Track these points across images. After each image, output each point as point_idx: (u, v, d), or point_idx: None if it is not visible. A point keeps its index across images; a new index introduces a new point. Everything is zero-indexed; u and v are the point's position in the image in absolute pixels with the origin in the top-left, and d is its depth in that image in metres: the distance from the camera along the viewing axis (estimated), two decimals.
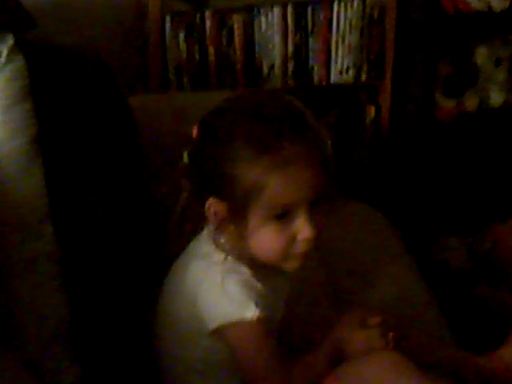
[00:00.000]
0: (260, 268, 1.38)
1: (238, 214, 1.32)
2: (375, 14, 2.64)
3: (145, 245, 1.58)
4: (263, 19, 2.56)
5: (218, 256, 1.37)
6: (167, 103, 2.16)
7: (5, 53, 1.38)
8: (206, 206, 1.35)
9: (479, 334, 2.15)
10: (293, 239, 1.33)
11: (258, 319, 1.32)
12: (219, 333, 1.35)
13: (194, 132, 1.38)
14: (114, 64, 2.33)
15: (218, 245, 1.37)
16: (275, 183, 1.28)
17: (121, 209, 1.54)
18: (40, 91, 1.48)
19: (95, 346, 1.46)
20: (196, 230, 1.43)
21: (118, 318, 1.46)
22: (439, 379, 1.46)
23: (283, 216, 1.31)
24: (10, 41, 1.39)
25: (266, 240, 1.33)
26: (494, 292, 2.53)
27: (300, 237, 1.33)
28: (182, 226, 1.43)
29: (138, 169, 1.70)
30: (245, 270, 1.36)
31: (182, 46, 2.52)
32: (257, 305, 1.32)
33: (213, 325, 1.34)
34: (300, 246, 1.34)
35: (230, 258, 1.36)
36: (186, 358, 1.41)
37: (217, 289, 1.34)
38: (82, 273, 1.43)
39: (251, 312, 1.32)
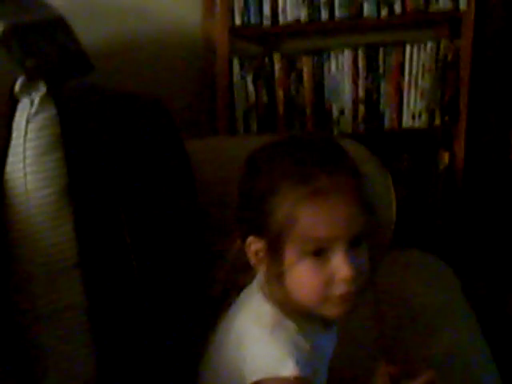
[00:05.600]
0: (307, 323, 1.34)
1: (274, 250, 1.29)
2: (449, 57, 2.58)
3: (186, 294, 1.55)
4: (333, 62, 2.53)
5: (266, 309, 1.33)
6: (231, 146, 2.13)
7: (36, 101, 1.38)
8: (246, 244, 1.32)
9: None
10: (331, 279, 1.28)
11: (296, 379, 1.27)
12: None
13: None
14: (182, 107, 2.35)
15: (264, 293, 1.34)
16: (306, 214, 1.25)
17: (162, 261, 1.51)
18: (79, 137, 1.47)
19: None
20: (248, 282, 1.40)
21: (148, 373, 1.42)
22: None
23: (319, 253, 1.27)
24: (42, 89, 1.38)
25: (302, 278, 1.28)
26: None
27: (338, 276, 1.27)
28: (232, 276, 1.40)
29: (189, 216, 1.67)
30: (292, 326, 1.32)
31: (250, 88, 2.50)
32: (297, 363, 1.27)
33: (252, 378, 1.30)
34: (339, 288, 1.28)
35: (277, 311, 1.32)
36: None
37: (260, 342, 1.31)
38: (111, 325, 1.41)
39: (289, 370, 1.27)
